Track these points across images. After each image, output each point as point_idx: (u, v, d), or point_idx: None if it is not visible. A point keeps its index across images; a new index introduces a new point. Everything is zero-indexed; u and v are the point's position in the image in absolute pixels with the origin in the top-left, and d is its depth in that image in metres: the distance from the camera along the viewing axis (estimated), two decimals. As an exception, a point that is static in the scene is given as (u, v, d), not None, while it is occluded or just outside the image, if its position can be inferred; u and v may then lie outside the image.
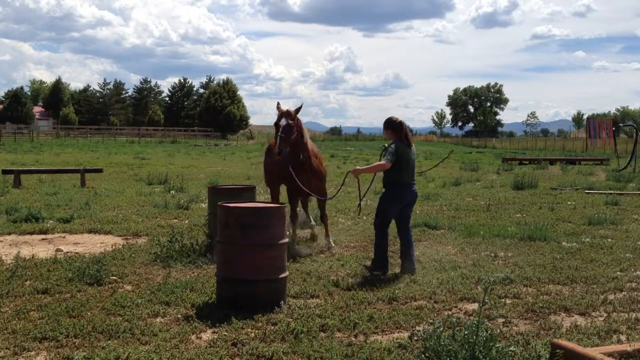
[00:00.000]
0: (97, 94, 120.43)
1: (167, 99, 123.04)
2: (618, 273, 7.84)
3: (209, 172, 24.45)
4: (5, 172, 17.97)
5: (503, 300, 6.55)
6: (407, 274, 7.53)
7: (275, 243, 6.17)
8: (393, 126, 7.76)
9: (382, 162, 7.64)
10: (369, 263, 7.84)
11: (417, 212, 13.06)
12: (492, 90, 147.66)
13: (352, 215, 12.59)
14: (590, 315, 6.13)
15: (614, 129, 38.50)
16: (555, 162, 34.88)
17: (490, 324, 5.21)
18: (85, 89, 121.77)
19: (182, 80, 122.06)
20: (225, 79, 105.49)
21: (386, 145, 7.82)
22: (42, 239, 9.83)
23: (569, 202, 15.26)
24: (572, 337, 5.29)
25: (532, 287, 7.13)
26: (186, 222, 11.52)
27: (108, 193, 16.04)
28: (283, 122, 8.27)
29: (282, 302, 6.16)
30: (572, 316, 6.11)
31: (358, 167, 8.07)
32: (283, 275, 6.28)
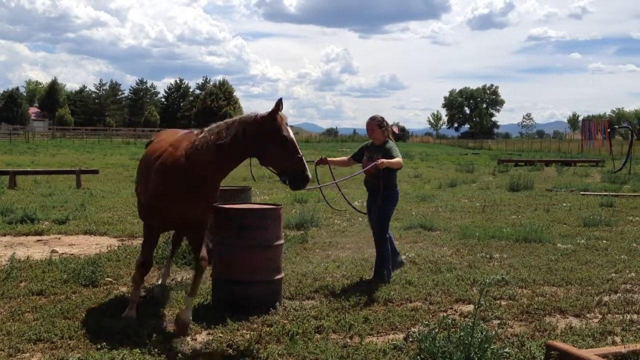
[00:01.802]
0: (93, 95, 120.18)
1: (163, 99, 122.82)
2: (613, 275, 7.86)
3: (205, 173, 24.40)
4: (0, 173, 17.92)
5: (498, 301, 6.57)
6: (399, 268, 7.56)
7: (271, 244, 6.17)
8: (385, 125, 7.51)
9: (400, 159, 7.19)
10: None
11: (413, 213, 13.08)
12: (488, 91, 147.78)
13: (348, 216, 12.59)
14: (585, 317, 6.15)
15: (609, 130, 38.56)
16: (551, 163, 34.97)
17: (485, 326, 5.22)
18: (81, 90, 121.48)
19: (178, 81, 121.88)
20: (221, 79, 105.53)
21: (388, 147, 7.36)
22: (38, 240, 9.81)
23: (564, 204, 15.29)
24: (567, 339, 5.31)
25: (527, 289, 7.14)
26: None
27: (104, 194, 16.00)
28: None
29: (277, 303, 6.16)
30: (567, 318, 6.13)
31: (385, 161, 6.99)
32: (279, 276, 6.28)
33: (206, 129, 5.48)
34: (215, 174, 5.45)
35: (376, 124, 7.47)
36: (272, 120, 5.24)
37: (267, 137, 5.24)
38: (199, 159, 5.30)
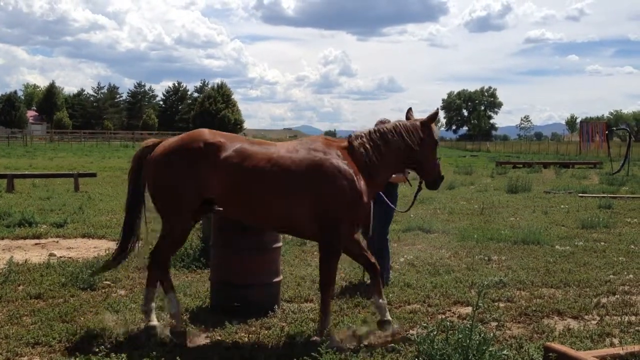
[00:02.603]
0: (91, 98, 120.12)
1: (161, 103, 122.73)
2: (611, 276, 7.87)
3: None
4: (-2, 176, 17.90)
5: (497, 304, 6.57)
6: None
7: (269, 247, 6.17)
8: None
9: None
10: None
11: (412, 215, 13.08)
12: (486, 94, 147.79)
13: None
14: (583, 319, 6.15)
15: (607, 132, 38.61)
16: (549, 165, 35.00)
17: (483, 328, 5.22)
18: (79, 93, 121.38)
19: (176, 84, 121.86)
20: (219, 82, 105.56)
21: None
22: (36, 244, 9.80)
23: (562, 206, 15.30)
24: (565, 341, 5.31)
25: (526, 291, 7.15)
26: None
27: (102, 197, 15.99)
28: None
29: (276, 306, 6.16)
30: (565, 319, 6.13)
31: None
32: (277, 279, 6.28)
33: (356, 134, 5.57)
34: (383, 182, 5.68)
35: None
36: (430, 126, 5.57)
37: (426, 142, 5.54)
38: (374, 169, 5.44)
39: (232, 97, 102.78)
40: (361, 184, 5.28)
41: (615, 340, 5.45)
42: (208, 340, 5.32)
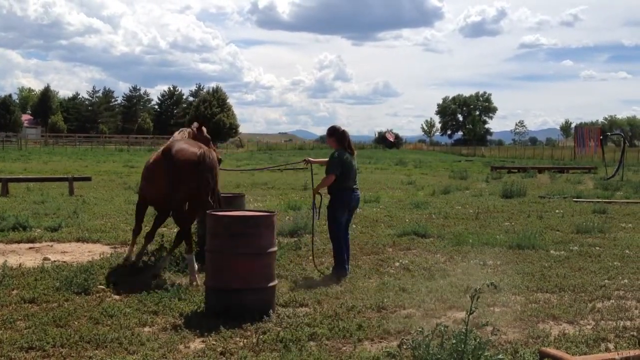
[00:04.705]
0: (86, 102, 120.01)
1: (156, 107, 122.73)
2: (606, 281, 7.88)
3: (199, 180, 24.34)
4: (-8, 180, 17.82)
5: (492, 308, 6.57)
6: (340, 277, 7.82)
7: (264, 252, 6.16)
8: (337, 135, 8.23)
9: (328, 176, 8.07)
10: (327, 272, 8.13)
11: (407, 220, 13.09)
12: (481, 99, 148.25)
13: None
14: (578, 324, 6.15)
15: (601, 137, 38.72)
16: (544, 170, 35.08)
17: (478, 333, 5.22)
18: (74, 97, 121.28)
19: (171, 88, 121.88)
20: (214, 87, 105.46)
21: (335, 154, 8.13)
22: (30, 248, 9.76)
23: (557, 211, 15.33)
24: (561, 346, 5.31)
25: (521, 296, 7.15)
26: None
27: (96, 201, 15.95)
28: None
29: (271, 311, 6.15)
30: (561, 324, 6.14)
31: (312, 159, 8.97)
32: (272, 284, 6.27)
33: None
34: None
35: (329, 133, 8.41)
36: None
37: None
38: None
39: (228, 101, 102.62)
40: None
41: (611, 345, 5.45)
42: (203, 345, 5.30)
